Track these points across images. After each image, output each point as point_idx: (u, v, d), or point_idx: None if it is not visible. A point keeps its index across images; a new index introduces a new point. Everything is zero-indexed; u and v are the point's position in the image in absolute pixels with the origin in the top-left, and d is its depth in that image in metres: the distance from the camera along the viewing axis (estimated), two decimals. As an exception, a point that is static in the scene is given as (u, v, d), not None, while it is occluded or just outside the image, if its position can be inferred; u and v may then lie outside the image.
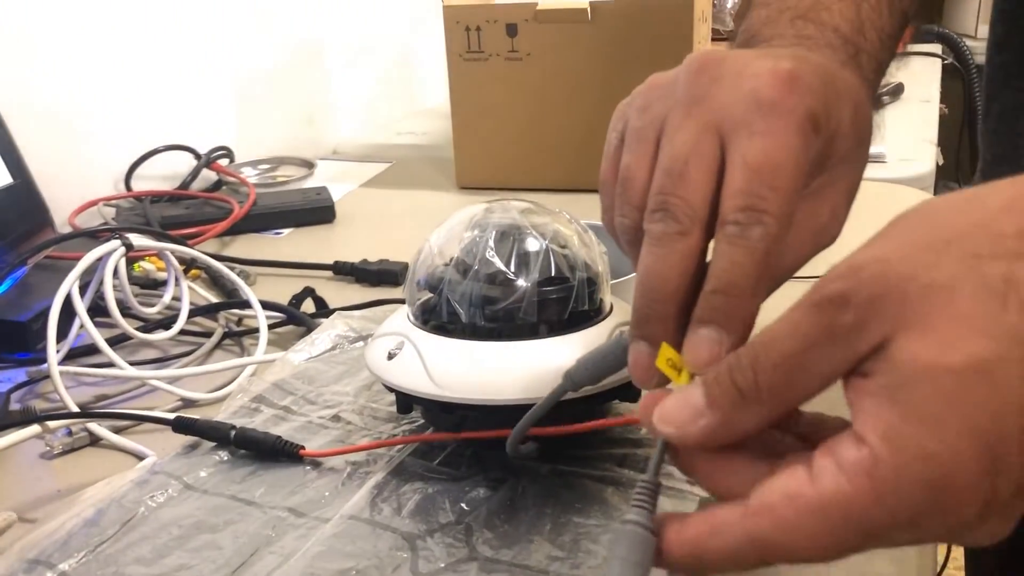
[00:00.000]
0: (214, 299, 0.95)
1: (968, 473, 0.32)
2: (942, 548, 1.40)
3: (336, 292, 0.96)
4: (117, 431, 0.73)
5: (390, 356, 0.63)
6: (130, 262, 0.96)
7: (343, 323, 0.85)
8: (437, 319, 0.63)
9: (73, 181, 1.19)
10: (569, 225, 0.65)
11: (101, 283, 0.81)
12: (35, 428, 0.71)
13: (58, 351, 0.77)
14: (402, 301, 0.68)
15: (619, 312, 0.64)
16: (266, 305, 0.89)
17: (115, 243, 0.83)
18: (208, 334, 0.89)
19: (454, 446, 0.65)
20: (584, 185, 1.16)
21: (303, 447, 0.66)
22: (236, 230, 1.17)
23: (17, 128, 1.06)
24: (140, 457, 0.70)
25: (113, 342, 0.81)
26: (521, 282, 0.61)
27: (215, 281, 0.99)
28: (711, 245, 0.43)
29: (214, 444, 0.68)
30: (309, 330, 0.86)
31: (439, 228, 0.66)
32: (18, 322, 0.85)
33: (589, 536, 0.57)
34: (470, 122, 1.29)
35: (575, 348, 0.59)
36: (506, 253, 0.62)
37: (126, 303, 0.85)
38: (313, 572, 0.55)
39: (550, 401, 0.53)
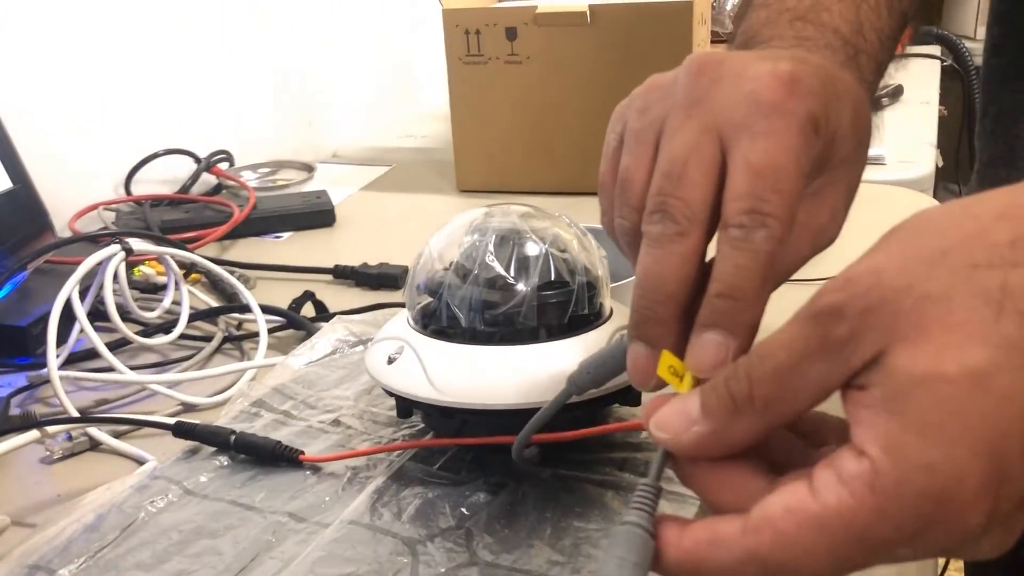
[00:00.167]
0: (214, 303, 0.95)
1: (970, 483, 0.32)
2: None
3: (336, 296, 0.96)
4: (117, 436, 0.73)
5: (390, 360, 0.63)
6: (130, 266, 0.96)
7: (343, 327, 0.85)
8: (437, 323, 0.63)
9: (73, 185, 1.19)
10: (569, 229, 0.65)
11: (101, 287, 0.81)
12: (35, 433, 0.71)
13: (58, 356, 0.77)
14: (402, 305, 0.68)
15: (619, 316, 0.64)
16: (266, 309, 0.89)
17: (115, 247, 0.83)
18: (208, 338, 0.88)
19: (454, 450, 0.65)
20: (584, 188, 1.16)
21: (303, 452, 0.66)
22: (236, 234, 1.17)
23: (17, 132, 1.06)
24: (140, 462, 0.70)
25: (113, 347, 0.81)
26: (521, 286, 0.61)
27: (215, 285, 0.99)
28: (710, 248, 0.43)
29: (214, 449, 0.68)
30: (309, 334, 0.86)
31: (439, 232, 0.66)
32: (18, 327, 0.85)
33: (589, 541, 0.57)
34: (470, 125, 1.29)
35: (575, 352, 0.59)
36: (506, 257, 0.62)
37: (126, 307, 0.85)
38: (313, 577, 0.55)
39: (555, 406, 0.53)
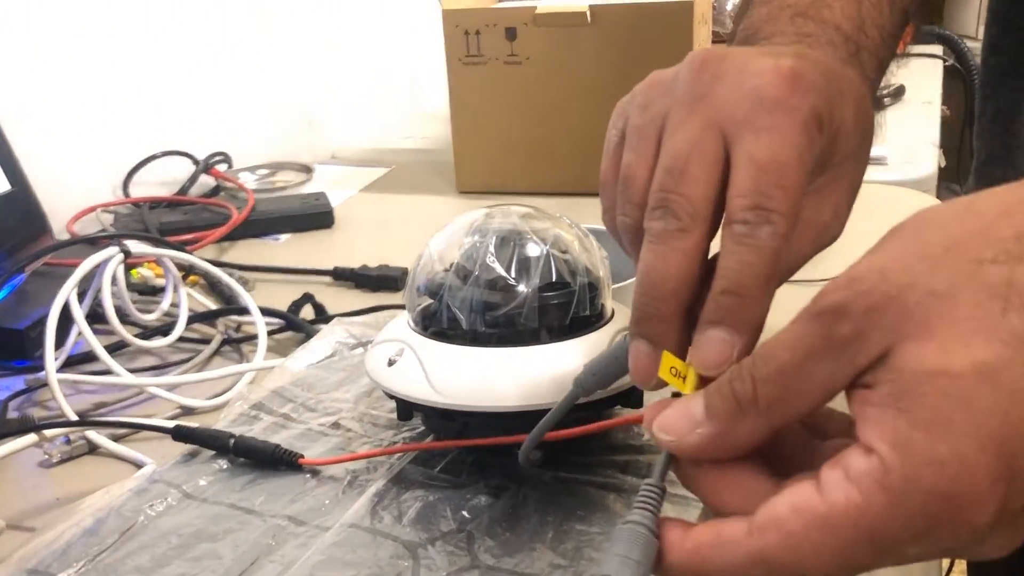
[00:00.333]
0: (213, 305, 0.94)
1: (979, 479, 0.32)
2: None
3: (335, 298, 0.96)
4: (116, 439, 0.72)
5: (390, 363, 0.63)
6: (128, 269, 0.96)
7: (342, 329, 0.85)
8: (437, 325, 0.63)
9: (71, 187, 1.19)
10: (570, 230, 0.65)
11: (99, 290, 0.81)
12: (33, 436, 0.71)
13: (56, 359, 0.76)
14: (402, 307, 0.68)
15: (621, 317, 0.64)
16: (265, 311, 0.88)
17: (113, 250, 0.83)
18: (207, 341, 0.88)
19: (455, 453, 0.65)
20: (585, 188, 1.16)
21: (303, 455, 0.66)
22: (234, 236, 1.16)
23: (14, 134, 1.05)
24: (139, 465, 0.69)
25: (111, 349, 0.80)
26: (522, 288, 0.61)
27: (213, 287, 0.99)
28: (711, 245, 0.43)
29: (213, 452, 0.68)
30: (308, 336, 0.85)
31: (439, 233, 0.66)
32: (16, 330, 0.85)
33: (592, 544, 0.57)
34: (470, 126, 1.28)
35: (577, 354, 0.59)
36: (507, 258, 0.61)
37: (124, 310, 0.85)
38: (313, 581, 0.55)
39: (563, 408, 0.53)
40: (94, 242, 0.99)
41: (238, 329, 0.92)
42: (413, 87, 1.94)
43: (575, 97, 1.22)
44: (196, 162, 1.32)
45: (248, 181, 1.38)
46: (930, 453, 0.32)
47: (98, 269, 0.82)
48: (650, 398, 0.61)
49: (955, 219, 0.35)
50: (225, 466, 0.67)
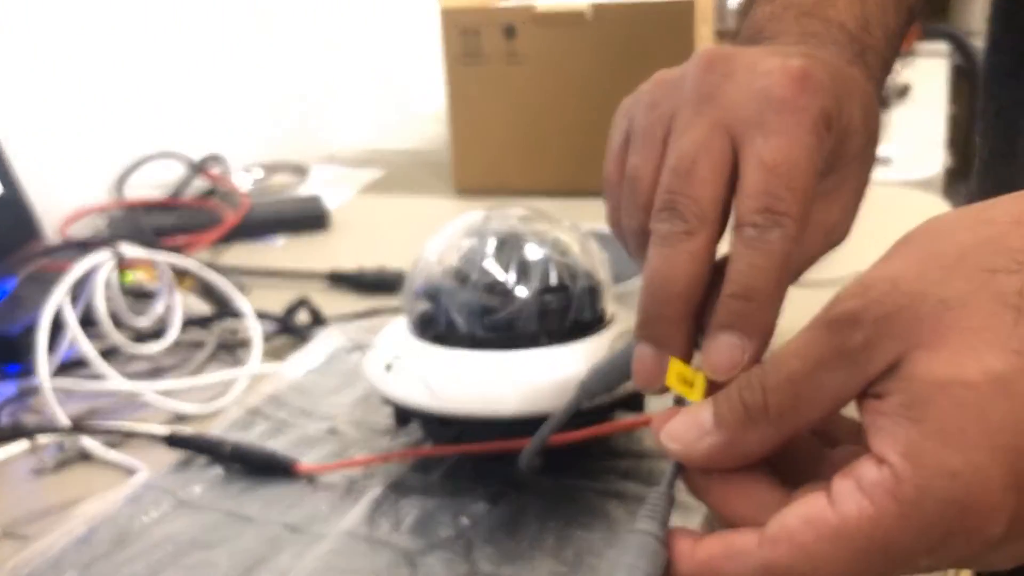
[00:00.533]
0: (207, 309, 0.94)
1: (992, 489, 0.32)
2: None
3: (332, 301, 0.95)
4: (109, 445, 0.71)
5: (388, 367, 0.62)
6: (121, 272, 0.95)
7: (339, 333, 0.84)
8: (435, 329, 0.62)
9: (63, 190, 1.18)
10: (569, 232, 0.64)
11: (92, 294, 0.80)
12: (25, 443, 0.70)
13: (49, 364, 0.76)
14: (399, 310, 0.67)
15: (621, 320, 0.63)
16: (260, 315, 0.87)
17: (106, 253, 0.82)
18: (201, 345, 0.87)
19: (454, 459, 0.64)
20: (585, 188, 1.15)
21: (299, 461, 0.65)
22: (229, 239, 1.16)
23: (6, 137, 1.04)
24: (132, 472, 0.68)
25: (104, 354, 0.80)
26: (521, 291, 0.60)
27: (208, 291, 0.98)
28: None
29: (208, 459, 0.67)
30: (304, 341, 0.85)
31: (436, 236, 0.65)
32: (8, 335, 0.84)
33: (592, 550, 0.56)
34: (468, 126, 1.28)
35: (577, 358, 0.59)
36: (505, 261, 0.61)
37: (117, 314, 0.84)
38: (310, 591, 0.54)
39: (566, 413, 0.52)
40: (87, 245, 0.98)
41: (233, 333, 0.91)
42: (410, 88, 1.93)
43: (574, 97, 1.21)
44: (190, 164, 1.32)
45: (243, 183, 1.38)
46: (943, 463, 0.32)
47: (91, 273, 0.81)
48: (651, 402, 0.60)
49: (966, 228, 0.35)
50: (220, 473, 0.66)
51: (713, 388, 0.39)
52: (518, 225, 0.63)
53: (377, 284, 0.99)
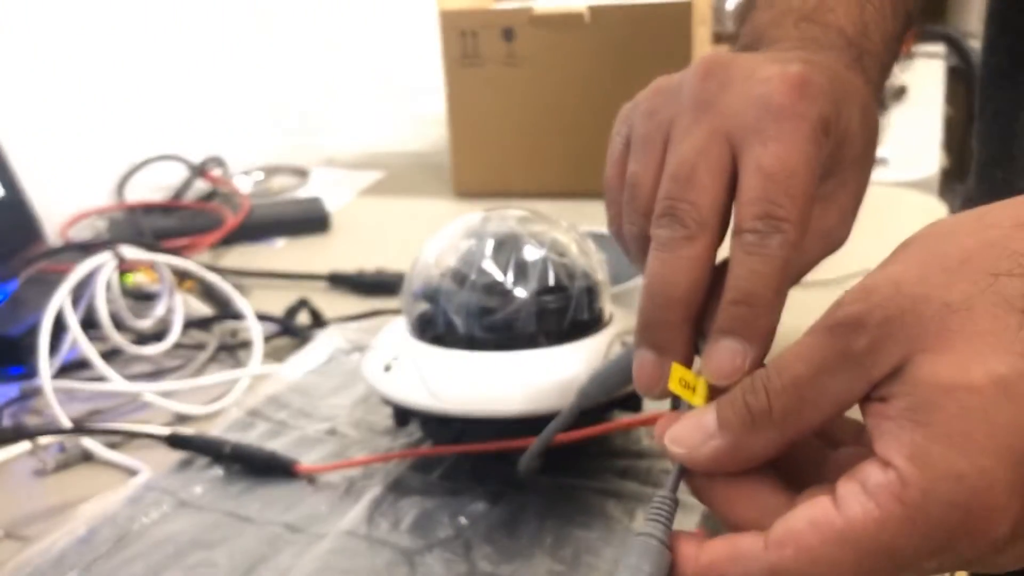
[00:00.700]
0: (208, 311, 0.94)
1: (997, 492, 0.32)
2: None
3: (332, 303, 0.95)
4: (110, 446, 0.72)
5: (387, 368, 0.62)
6: (122, 274, 0.95)
7: (339, 334, 0.84)
8: (434, 330, 0.62)
9: (65, 193, 1.18)
10: (567, 233, 0.64)
11: (93, 296, 0.81)
12: (27, 444, 0.70)
13: (50, 366, 0.76)
14: (399, 312, 0.67)
15: (619, 321, 0.63)
16: (261, 317, 0.88)
17: (107, 255, 0.83)
18: (202, 347, 0.88)
19: (453, 459, 0.65)
20: (583, 190, 1.15)
21: (299, 462, 0.65)
22: (230, 241, 1.16)
23: (7, 140, 1.05)
24: (133, 472, 0.69)
25: (106, 356, 0.80)
26: (519, 292, 0.60)
27: (209, 293, 0.98)
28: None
29: (209, 459, 0.67)
30: (304, 342, 0.85)
31: (435, 237, 0.65)
32: (9, 337, 0.84)
33: (591, 549, 0.56)
34: (467, 128, 1.28)
35: (576, 358, 0.59)
36: (503, 262, 0.61)
37: (118, 316, 0.84)
38: (310, 590, 0.54)
39: (565, 419, 0.53)
40: (88, 248, 0.98)
41: (234, 335, 0.91)
42: (409, 90, 1.93)
43: (573, 98, 1.21)
44: (191, 166, 1.32)
45: (243, 185, 1.38)
46: (948, 466, 0.32)
47: (92, 275, 0.81)
48: (649, 402, 0.60)
49: (969, 231, 0.35)
50: (220, 473, 0.66)
51: (715, 392, 0.39)
52: (516, 226, 0.63)
53: (377, 286, 0.99)
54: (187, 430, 0.70)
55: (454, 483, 0.63)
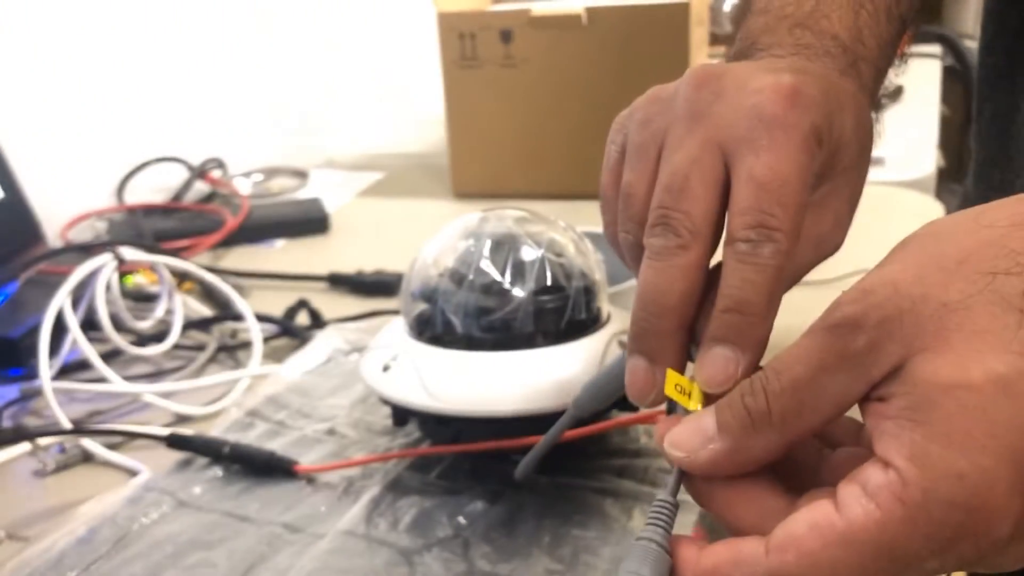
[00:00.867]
0: (207, 312, 0.94)
1: (998, 491, 0.32)
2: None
3: (331, 304, 0.95)
4: (110, 447, 0.72)
5: (385, 368, 0.62)
6: (122, 275, 0.95)
7: (338, 335, 0.85)
8: (432, 330, 0.62)
9: (65, 194, 1.18)
10: (565, 233, 0.65)
11: (93, 297, 0.81)
12: (27, 445, 0.70)
13: (50, 367, 0.76)
14: (397, 312, 0.68)
15: (617, 321, 0.64)
16: (260, 318, 0.88)
17: (107, 257, 0.83)
18: (202, 348, 0.88)
19: (451, 459, 0.65)
20: (581, 191, 1.15)
21: (298, 462, 0.65)
22: (230, 242, 1.16)
23: (7, 141, 1.05)
24: (133, 473, 0.69)
25: (106, 357, 0.80)
26: (517, 292, 0.60)
27: (208, 294, 0.99)
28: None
29: (208, 460, 0.67)
30: (304, 342, 0.85)
31: (433, 238, 0.66)
32: (9, 338, 0.84)
33: (588, 549, 0.56)
34: (465, 130, 1.28)
35: (573, 358, 0.59)
36: (501, 262, 0.61)
37: (118, 317, 0.84)
38: (309, 589, 0.54)
39: (560, 429, 0.53)
40: (88, 249, 0.99)
41: (233, 336, 0.91)
42: (408, 91, 1.93)
43: (571, 100, 1.21)
44: (190, 168, 1.32)
45: (243, 187, 1.38)
46: (949, 466, 0.32)
47: (92, 276, 0.82)
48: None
49: (966, 231, 0.35)
50: (220, 473, 0.66)
51: (710, 398, 0.39)
52: (514, 226, 0.63)
53: (376, 286, 0.99)
54: (186, 430, 0.70)
55: (452, 483, 0.63)
